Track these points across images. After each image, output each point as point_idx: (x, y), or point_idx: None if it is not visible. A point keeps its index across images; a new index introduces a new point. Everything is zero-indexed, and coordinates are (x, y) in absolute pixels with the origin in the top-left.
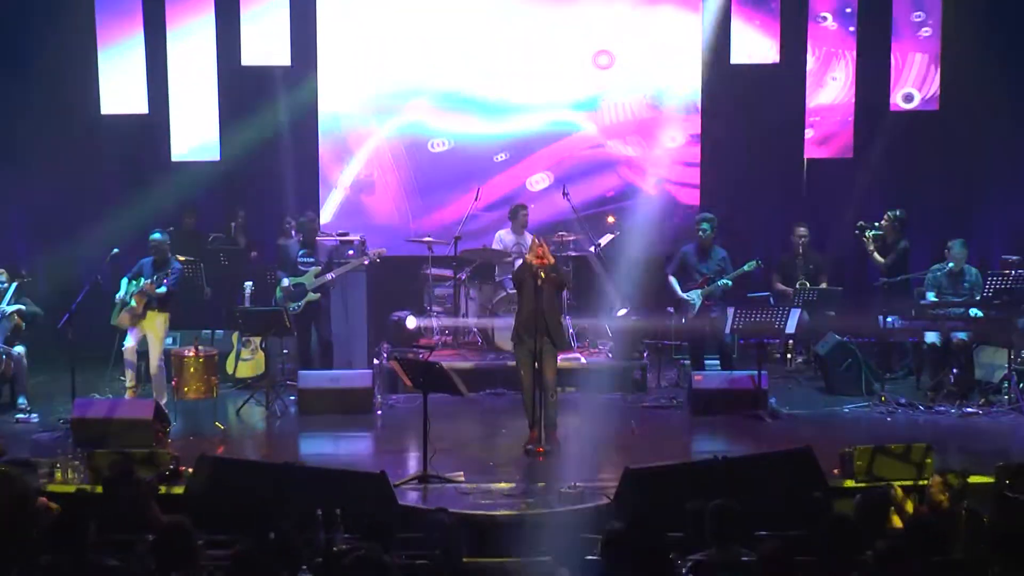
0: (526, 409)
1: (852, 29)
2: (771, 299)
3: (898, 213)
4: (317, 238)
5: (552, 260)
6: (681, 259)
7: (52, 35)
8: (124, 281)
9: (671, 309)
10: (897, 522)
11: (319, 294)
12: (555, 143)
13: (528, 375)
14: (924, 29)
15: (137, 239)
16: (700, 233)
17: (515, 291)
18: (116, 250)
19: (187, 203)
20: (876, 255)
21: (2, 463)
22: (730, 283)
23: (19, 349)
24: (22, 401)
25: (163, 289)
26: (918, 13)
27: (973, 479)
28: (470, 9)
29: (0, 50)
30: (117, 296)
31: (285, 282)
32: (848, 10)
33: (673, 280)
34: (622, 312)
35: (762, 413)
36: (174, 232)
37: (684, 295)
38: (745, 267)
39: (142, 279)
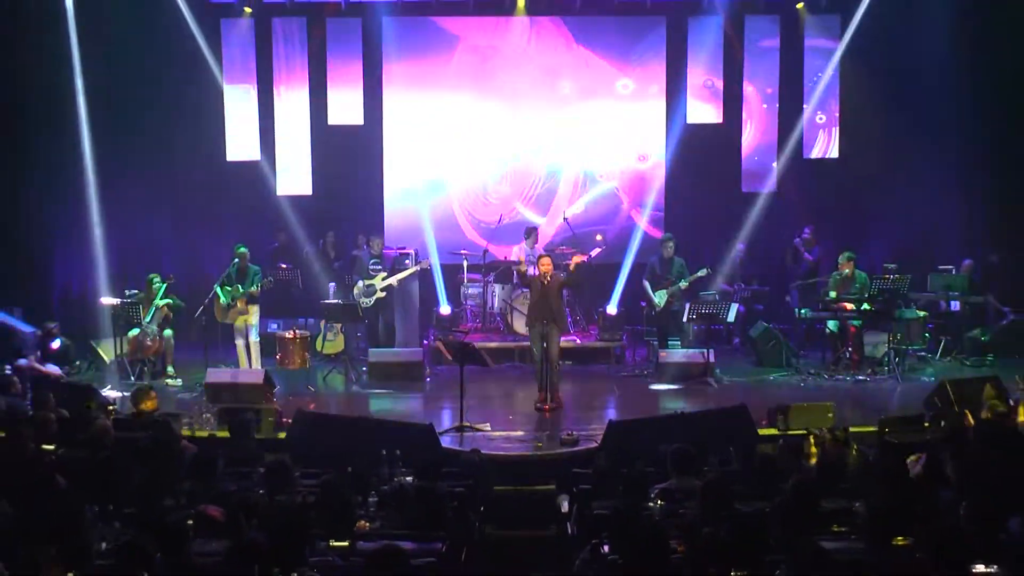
0: (536, 376)
1: (770, 91)
2: (717, 296)
3: (811, 229)
4: (383, 251)
5: (552, 268)
6: (650, 267)
7: (194, 101)
8: (217, 288)
9: (644, 303)
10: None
11: (384, 292)
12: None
13: (537, 351)
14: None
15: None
16: (664, 248)
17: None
18: (236, 260)
19: (281, 224)
20: (805, 255)
21: (157, 416)
22: (687, 284)
23: (168, 332)
24: (170, 370)
25: (256, 288)
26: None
27: (861, 429)
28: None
29: (157, 112)
30: (223, 299)
31: (360, 284)
32: (769, 90)
33: (645, 283)
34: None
35: (710, 380)
36: (277, 248)
37: (653, 294)
38: (699, 272)
39: (238, 286)
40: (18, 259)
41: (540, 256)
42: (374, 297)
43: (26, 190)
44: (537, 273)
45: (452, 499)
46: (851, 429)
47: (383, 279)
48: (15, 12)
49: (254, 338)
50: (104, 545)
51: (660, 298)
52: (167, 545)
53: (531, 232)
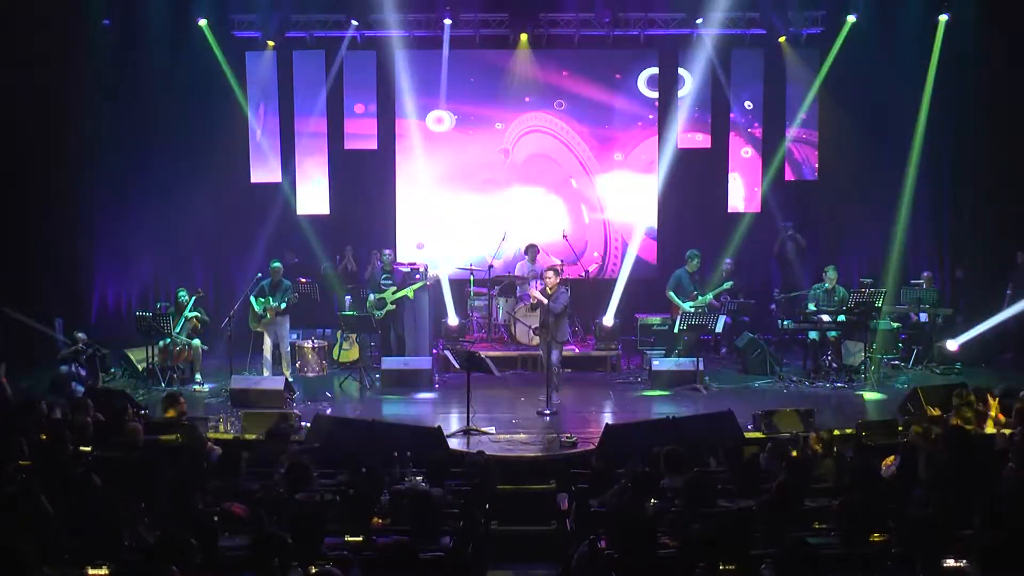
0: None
1: (754, 119)
2: (706, 308)
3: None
4: (394, 266)
5: (557, 285)
6: (676, 279)
7: (221, 128)
8: (253, 299)
9: (668, 314)
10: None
11: (395, 305)
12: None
13: (546, 357)
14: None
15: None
16: (689, 263)
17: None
18: (260, 274)
19: (291, 243)
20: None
21: (185, 419)
22: (713, 297)
23: (196, 342)
24: (198, 377)
25: (284, 305)
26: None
27: (837, 432)
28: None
29: (186, 137)
30: (257, 309)
31: (372, 297)
32: (754, 119)
33: (671, 293)
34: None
35: (699, 386)
36: (296, 263)
37: (686, 305)
38: (724, 286)
39: (270, 298)
40: (61, 274)
41: (545, 271)
42: (385, 310)
43: (67, 211)
44: (542, 287)
45: (459, 497)
46: (831, 433)
47: (393, 292)
48: (57, 43)
49: (285, 348)
50: (136, 540)
51: (689, 309)
52: (199, 540)
53: (531, 249)
